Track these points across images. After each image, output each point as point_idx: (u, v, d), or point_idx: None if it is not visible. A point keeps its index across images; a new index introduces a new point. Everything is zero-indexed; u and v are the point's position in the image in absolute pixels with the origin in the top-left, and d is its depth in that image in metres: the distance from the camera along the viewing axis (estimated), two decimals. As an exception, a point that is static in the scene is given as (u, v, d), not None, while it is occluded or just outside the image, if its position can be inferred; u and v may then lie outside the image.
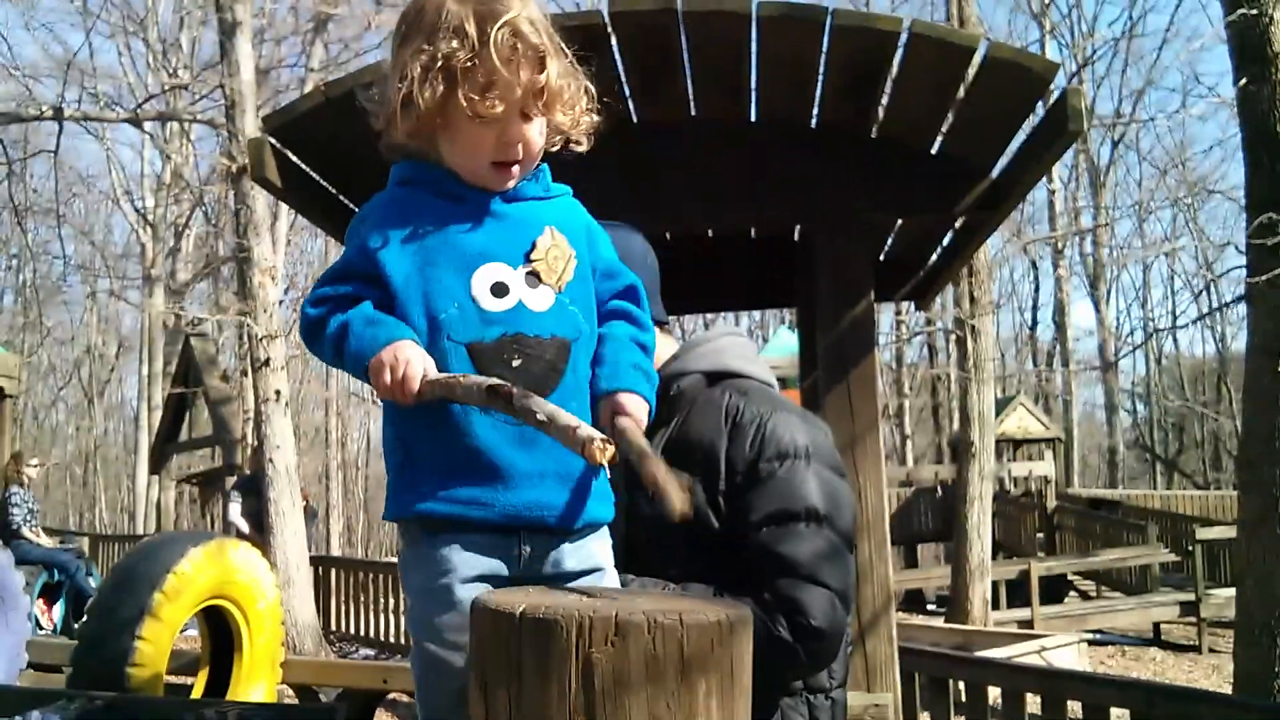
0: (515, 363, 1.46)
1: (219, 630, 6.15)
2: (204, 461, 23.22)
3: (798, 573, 1.74)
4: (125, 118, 14.98)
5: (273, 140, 3.11)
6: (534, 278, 1.51)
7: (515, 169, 1.55)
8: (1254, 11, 8.26)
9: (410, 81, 1.47)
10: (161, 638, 5.41)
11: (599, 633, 0.98)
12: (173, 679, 6.35)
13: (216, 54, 13.60)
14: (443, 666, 1.44)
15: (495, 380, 1.36)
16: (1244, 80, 8.50)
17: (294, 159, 3.21)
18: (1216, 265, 29.39)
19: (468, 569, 1.44)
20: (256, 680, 6.20)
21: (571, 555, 1.48)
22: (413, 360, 1.41)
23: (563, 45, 1.54)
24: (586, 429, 1.27)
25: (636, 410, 1.50)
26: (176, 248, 25.80)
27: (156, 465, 20.56)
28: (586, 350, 1.55)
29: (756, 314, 34.24)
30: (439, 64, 1.46)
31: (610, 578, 1.54)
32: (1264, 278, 8.30)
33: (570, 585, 1.39)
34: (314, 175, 3.40)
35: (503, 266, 1.50)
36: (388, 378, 1.41)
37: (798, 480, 1.79)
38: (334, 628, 13.02)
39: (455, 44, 1.46)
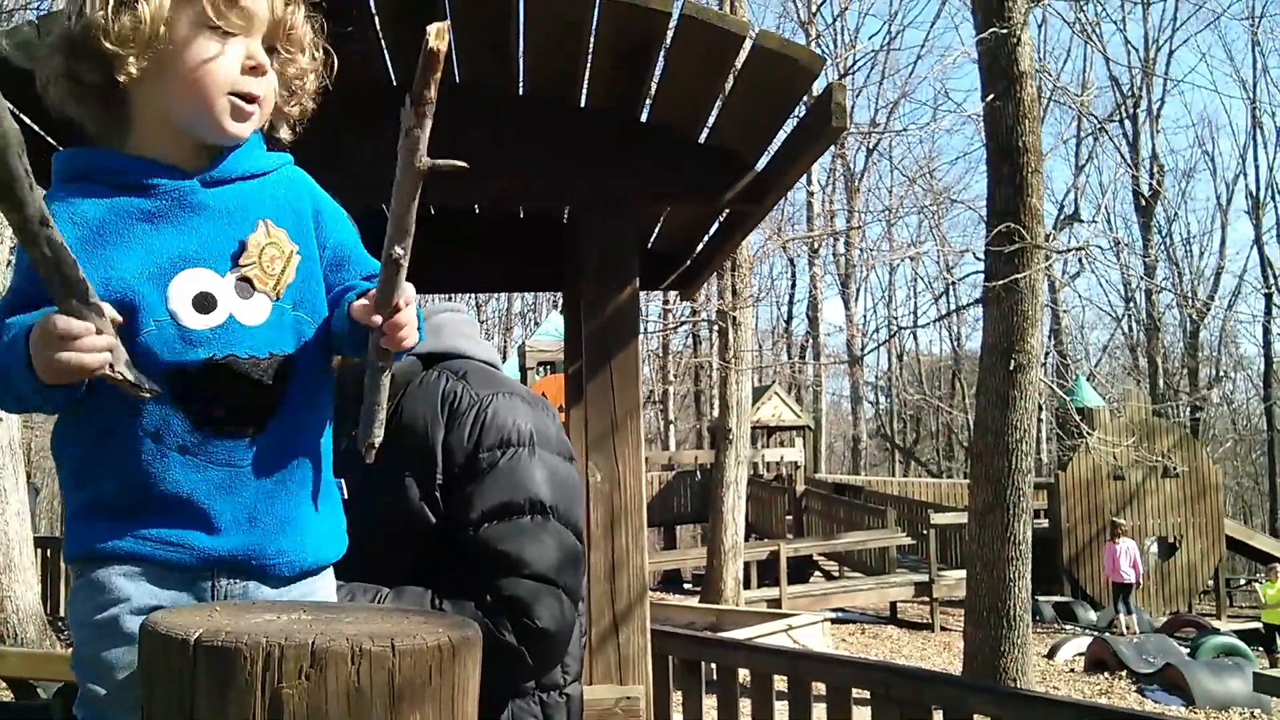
0: (222, 390, 1.22)
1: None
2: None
3: (522, 571, 1.61)
4: None
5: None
6: (246, 284, 1.24)
7: (254, 109, 1.28)
8: (1004, 31, 8.84)
9: None
10: None
11: (291, 664, 0.82)
12: None
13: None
14: (111, 713, 1.20)
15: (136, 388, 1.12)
16: (991, 95, 9.10)
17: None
18: (955, 270, 31.58)
19: (144, 598, 1.19)
20: (-35, 676, 5.61)
21: (276, 595, 1.27)
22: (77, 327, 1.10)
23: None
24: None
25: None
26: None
27: None
28: (314, 361, 1.31)
29: (529, 296, 34.18)
30: None
31: None
32: (1000, 282, 8.93)
33: (268, 602, 1.19)
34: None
35: (206, 273, 1.23)
36: (60, 350, 1.09)
37: (521, 470, 1.65)
38: (62, 614, 12.06)
39: None
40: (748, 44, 2.75)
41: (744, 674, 5.22)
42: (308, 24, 1.34)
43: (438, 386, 1.72)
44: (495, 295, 33.19)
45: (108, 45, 1.21)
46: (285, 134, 1.39)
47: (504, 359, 27.33)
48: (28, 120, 3.03)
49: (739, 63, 2.86)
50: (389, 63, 3.01)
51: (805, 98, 3.10)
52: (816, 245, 31.24)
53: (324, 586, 1.37)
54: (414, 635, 0.88)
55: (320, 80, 1.39)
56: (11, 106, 1.01)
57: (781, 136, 3.24)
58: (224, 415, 1.23)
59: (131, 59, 1.22)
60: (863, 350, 35.13)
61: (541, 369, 16.73)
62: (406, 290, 1.22)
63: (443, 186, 3.30)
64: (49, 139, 3.08)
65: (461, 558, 1.64)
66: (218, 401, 1.22)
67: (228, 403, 1.23)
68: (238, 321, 1.24)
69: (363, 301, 1.24)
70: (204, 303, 1.23)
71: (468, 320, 1.93)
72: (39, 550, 11.45)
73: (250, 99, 1.28)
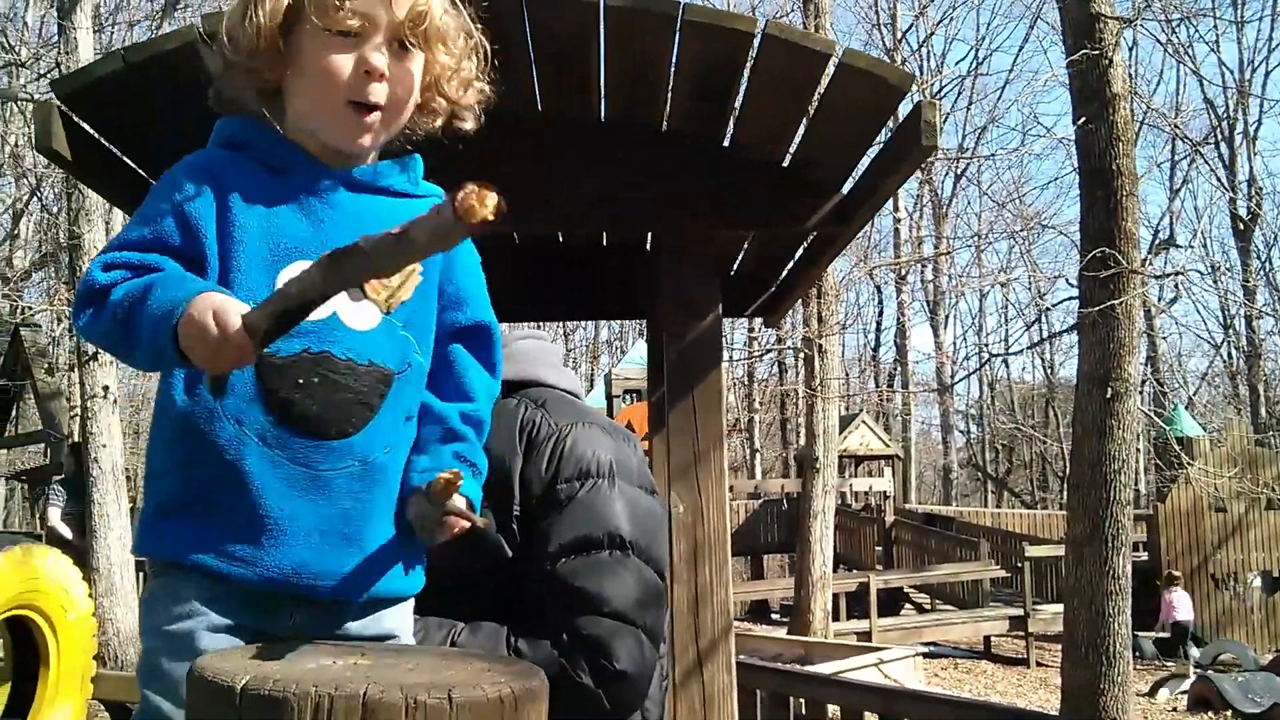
0: (312, 385, 1.17)
1: (25, 643, 5.69)
2: (36, 458, 21.91)
3: (600, 610, 1.53)
4: (-45, 95, 13.98)
5: (62, 106, 2.76)
6: (358, 289, 1.21)
7: (375, 119, 1.24)
8: (1096, 52, 8.60)
9: None
10: (-47, 652, 4.98)
11: (340, 715, 0.76)
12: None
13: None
14: None
15: (334, 251, 0.97)
16: (1083, 119, 8.85)
17: (88, 129, 2.87)
18: (1048, 297, 30.84)
19: (220, 616, 1.16)
20: (64, 697, 5.75)
21: (356, 626, 1.23)
22: (228, 305, 1.05)
23: None
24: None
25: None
26: (14, 233, 24.24)
27: (-19, 462, 19.26)
28: (415, 387, 1.26)
29: (615, 324, 34.33)
30: None
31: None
32: (1096, 309, 8.63)
33: (323, 643, 1.12)
34: (112, 149, 3.05)
35: None
36: (210, 333, 1.03)
37: (601, 503, 1.58)
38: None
39: None
40: (833, 63, 2.68)
41: (834, 710, 5.08)
42: (450, 17, 1.29)
43: (516, 415, 1.67)
44: (582, 324, 33.43)
45: (236, 58, 1.25)
46: (469, 123, 1.37)
47: (590, 387, 27.48)
48: (130, 163, 3.10)
49: (824, 83, 2.78)
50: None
51: (893, 118, 3.01)
52: (904, 272, 30.81)
53: (401, 621, 1.32)
54: (474, 685, 0.82)
55: (484, 74, 1.36)
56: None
57: (868, 158, 3.16)
58: (307, 413, 1.18)
59: (266, 71, 1.25)
60: (953, 378, 34.48)
61: (628, 397, 16.72)
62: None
63: (525, 215, 3.28)
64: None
65: (538, 593, 1.57)
66: (303, 396, 1.18)
67: (314, 400, 1.19)
68: (341, 320, 1.21)
69: (419, 511, 1.26)
70: None
71: (549, 348, 1.87)
72: (139, 574, 11.71)
73: (369, 108, 1.25)
